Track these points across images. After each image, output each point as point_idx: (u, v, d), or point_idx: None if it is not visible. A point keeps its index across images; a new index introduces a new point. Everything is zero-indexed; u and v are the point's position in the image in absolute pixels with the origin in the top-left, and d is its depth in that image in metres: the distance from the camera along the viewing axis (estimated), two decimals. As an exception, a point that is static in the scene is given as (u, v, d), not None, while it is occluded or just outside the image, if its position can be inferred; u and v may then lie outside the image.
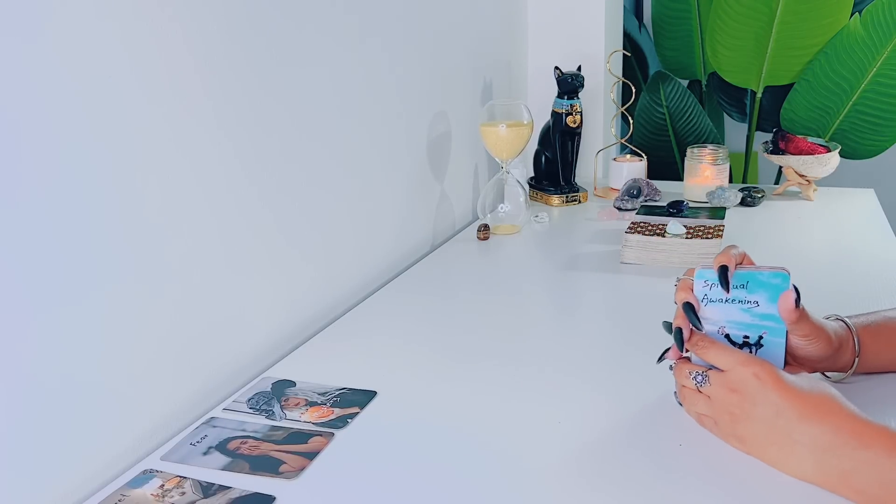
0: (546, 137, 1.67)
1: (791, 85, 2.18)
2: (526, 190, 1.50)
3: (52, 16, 0.64)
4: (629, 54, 2.45)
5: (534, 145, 1.69)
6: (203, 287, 0.84)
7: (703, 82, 2.46)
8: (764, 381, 0.66)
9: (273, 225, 0.96)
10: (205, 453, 0.74)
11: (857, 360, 0.79)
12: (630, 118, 1.85)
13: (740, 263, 0.74)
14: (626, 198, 1.58)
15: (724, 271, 0.72)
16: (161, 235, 0.78)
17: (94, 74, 0.68)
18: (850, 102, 2.09)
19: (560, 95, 1.61)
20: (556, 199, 1.65)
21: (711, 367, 0.71)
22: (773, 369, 0.67)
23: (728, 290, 0.72)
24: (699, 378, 0.71)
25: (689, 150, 1.63)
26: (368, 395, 0.83)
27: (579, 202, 1.66)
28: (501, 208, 1.48)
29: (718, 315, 0.74)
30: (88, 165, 0.68)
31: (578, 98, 1.61)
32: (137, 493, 0.68)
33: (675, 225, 1.25)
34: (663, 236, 1.24)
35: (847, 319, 0.81)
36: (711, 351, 0.71)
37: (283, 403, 0.82)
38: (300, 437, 0.76)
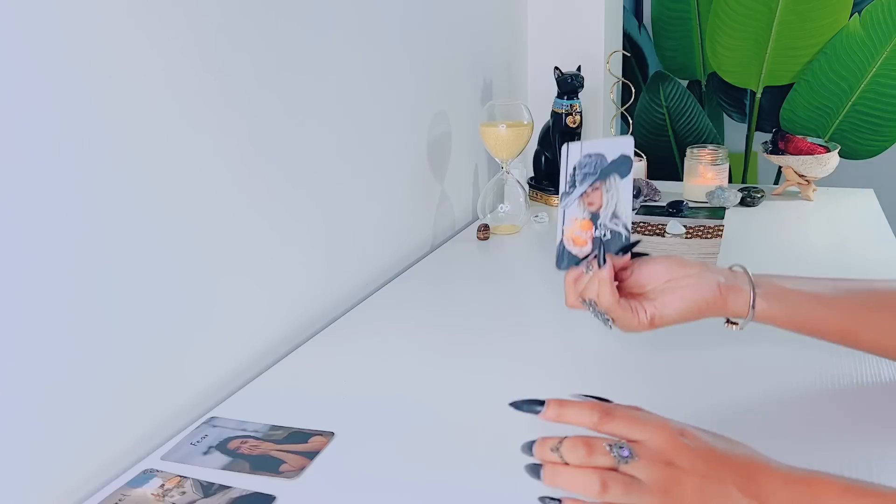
0: (546, 137, 1.67)
1: (791, 85, 2.18)
2: (526, 190, 1.50)
3: (49, 14, 0.64)
4: (629, 54, 2.45)
5: (534, 145, 1.69)
6: (203, 286, 0.84)
7: (703, 82, 2.46)
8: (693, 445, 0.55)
9: (273, 225, 0.96)
10: (205, 453, 0.74)
11: (753, 298, 0.73)
12: (630, 118, 1.85)
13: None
14: (626, 198, 1.58)
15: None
16: (161, 234, 0.78)
17: (92, 75, 0.68)
18: (850, 102, 2.10)
19: (560, 95, 1.61)
20: (556, 200, 1.65)
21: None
22: (696, 432, 0.56)
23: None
24: (624, 452, 0.54)
25: (688, 151, 1.64)
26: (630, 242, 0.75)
27: (579, 202, 1.66)
28: (501, 208, 1.48)
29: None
30: (87, 166, 0.68)
31: (578, 98, 1.61)
32: (138, 492, 0.68)
33: (674, 225, 1.26)
34: (663, 236, 1.24)
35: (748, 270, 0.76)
36: (621, 421, 0.56)
37: (588, 189, 0.73)
38: (300, 436, 0.76)
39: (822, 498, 0.53)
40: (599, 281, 0.73)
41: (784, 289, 0.76)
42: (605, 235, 0.72)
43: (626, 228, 0.73)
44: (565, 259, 0.72)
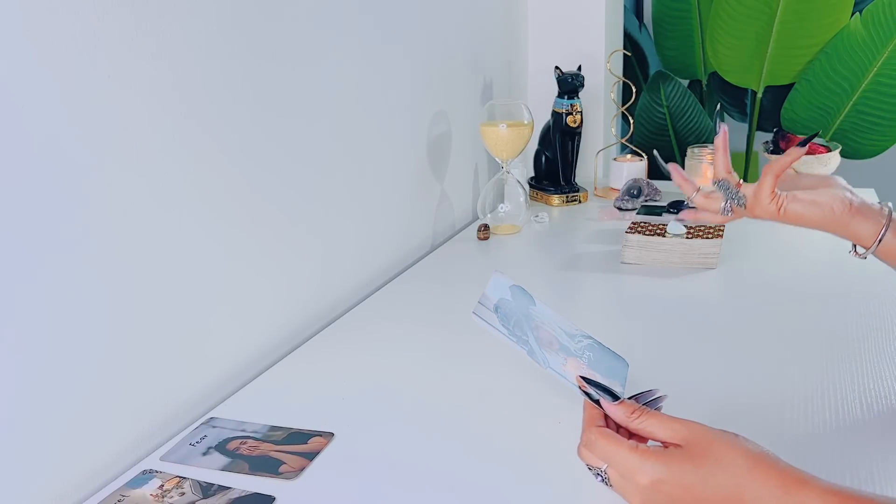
0: (546, 137, 1.67)
1: (791, 85, 2.18)
2: (526, 190, 1.50)
3: (51, 14, 0.64)
4: (629, 54, 2.45)
5: (534, 145, 1.69)
6: (203, 286, 0.84)
7: (704, 82, 2.46)
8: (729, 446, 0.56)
9: (273, 225, 0.96)
10: (204, 453, 0.74)
11: (886, 229, 0.77)
12: (630, 118, 1.85)
13: None
14: (627, 198, 1.58)
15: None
16: (158, 234, 0.78)
17: (92, 73, 0.68)
18: (851, 102, 2.09)
19: (560, 95, 1.61)
20: (556, 199, 1.65)
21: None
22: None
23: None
24: (598, 480, 0.60)
25: (689, 150, 1.63)
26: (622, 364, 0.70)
27: (579, 202, 1.66)
28: (501, 208, 1.48)
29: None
30: (85, 165, 0.68)
31: (578, 98, 1.61)
32: (137, 493, 0.68)
33: (675, 225, 1.25)
34: (664, 236, 1.24)
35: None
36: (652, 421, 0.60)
37: (534, 334, 0.67)
38: (299, 437, 0.76)
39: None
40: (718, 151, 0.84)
41: None
42: (591, 357, 0.69)
43: (585, 335, 0.71)
44: (608, 393, 0.64)
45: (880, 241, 0.77)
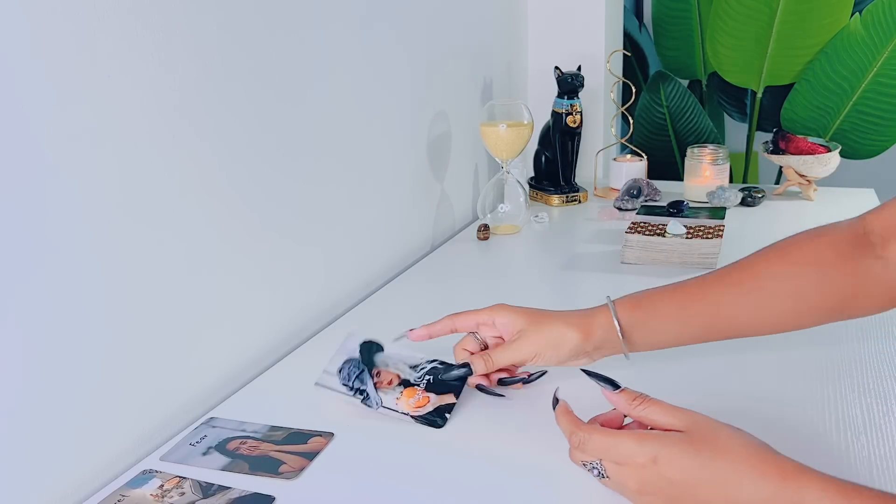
0: (546, 137, 1.67)
1: (791, 85, 2.18)
2: (526, 190, 1.50)
3: (51, 13, 0.64)
4: (629, 54, 2.45)
5: (534, 145, 1.69)
6: (203, 287, 0.84)
7: (704, 82, 2.46)
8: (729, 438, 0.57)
9: (272, 225, 0.96)
10: (204, 453, 0.74)
11: (623, 342, 0.79)
12: (630, 118, 1.85)
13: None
14: (627, 198, 1.58)
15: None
16: (157, 233, 0.78)
17: (92, 73, 0.68)
18: (851, 102, 2.09)
19: (560, 95, 1.61)
20: (556, 199, 1.65)
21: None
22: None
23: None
24: (594, 473, 0.61)
25: (689, 150, 1.63)
26: (463, 372, 0.81)
27: (579, 202, 1.66)
28: (501, 208, 1.48)
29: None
30: (85, 166, 0.68)
31: (578, 98, 1.61)
32: (137, 493, 0.68)
33: (675, 225, 1.25)
34: (663, 236, 1.24)
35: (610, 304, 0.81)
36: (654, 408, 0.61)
37: (375, 379, 0.81)
38: (300, 437, 0.76)
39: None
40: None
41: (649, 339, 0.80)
42: (430, 380, 0.81)
43: (428, 361, 0.84)
44: (438, 419, 0.77)
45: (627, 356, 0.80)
